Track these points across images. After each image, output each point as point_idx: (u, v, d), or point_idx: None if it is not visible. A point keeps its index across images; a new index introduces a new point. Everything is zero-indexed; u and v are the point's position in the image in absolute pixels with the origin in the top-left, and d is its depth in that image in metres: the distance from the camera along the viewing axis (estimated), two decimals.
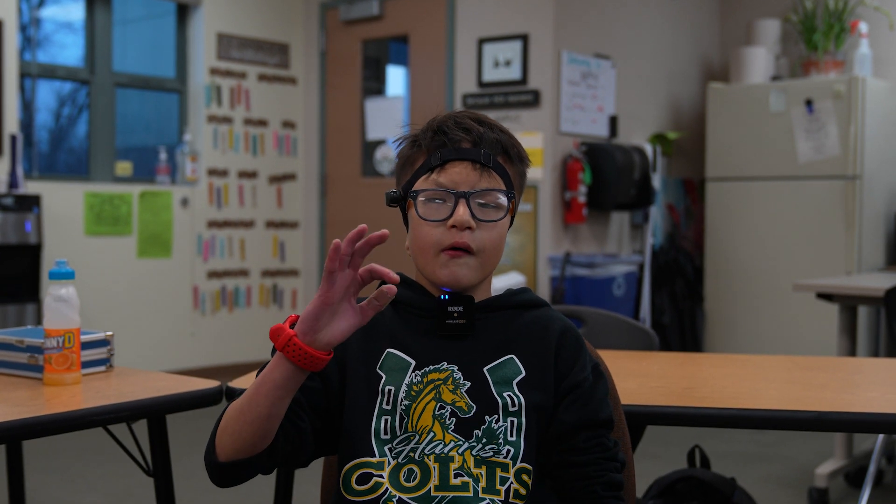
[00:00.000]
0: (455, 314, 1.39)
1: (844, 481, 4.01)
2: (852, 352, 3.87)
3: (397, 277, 1.22)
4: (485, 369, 1.38)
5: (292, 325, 1.23)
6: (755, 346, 5.68)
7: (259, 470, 1.32)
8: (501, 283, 5.00)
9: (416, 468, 1.33)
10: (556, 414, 1.38)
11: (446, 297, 1.40)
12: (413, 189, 1.40)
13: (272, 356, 1.26)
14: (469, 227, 1.37)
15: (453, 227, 1.37)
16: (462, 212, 1.37)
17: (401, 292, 1.43)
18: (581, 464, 1.38)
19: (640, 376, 2.02)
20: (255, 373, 1.96)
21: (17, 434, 1.58)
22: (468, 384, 1.36)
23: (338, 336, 1.22)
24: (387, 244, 1.31)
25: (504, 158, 1.42)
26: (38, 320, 5.01)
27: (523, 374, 1.38)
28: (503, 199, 1.40)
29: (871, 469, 3.50)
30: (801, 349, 5.38)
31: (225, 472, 1.31)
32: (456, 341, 1.39)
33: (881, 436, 3.55)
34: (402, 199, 1.42)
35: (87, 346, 1.90)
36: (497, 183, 1.40)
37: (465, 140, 1.40)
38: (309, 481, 2.31)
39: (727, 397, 1.85)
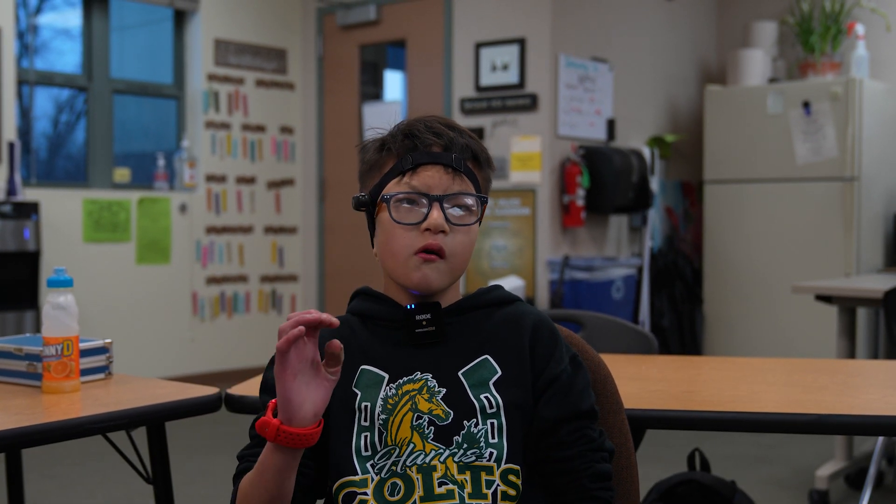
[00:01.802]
0: (423, 322, 1.38)
1: (845, 483, 4.00)
2: (852, 353, 3.87)
3: (336, 321, 1.22)
4: (459, 373, 1.36)
5: (274, 412, 1.24)
6: (754, 348, 5.68)
7: None
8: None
9: (399, 481, 1.32)
10: (536, 410, 1.37)
11: (412, 306, 1.38)
12: (384, 193, 1.39)
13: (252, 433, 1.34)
14: (443, 231, 1.36)
15: (427, 230, 1.36)
16: (436, 215, 1.36)
17: (368, 306, 1.43)
18: (566, 458, 1.36)
19: (639, 380, 2.02)
20: (254, 381, 1.96)
21: (15, 442, 1.58)
22: (444, 391, 1.35)
23: (319, 404, 1.23)
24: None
25: (473, 163, 1.42)
26: (37, 328, 5.01)
27: (499, 373, 1.37)
28: (474, 203, 1.39)
29: (872, 471, 3.50)
30: (801, 351, 5.38)
31: None
32: (428, 349, 1.38)
33: (881, 437, 3.55)
34: (370, 204, 1.41)
35: (85, 353, 1.90)
36: (469, 187, 1.39)
37: (436, 144, 1.39)
38: None
39: (727, 400, 1.85)
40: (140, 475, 1.90)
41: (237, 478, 1.33)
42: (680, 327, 5.90)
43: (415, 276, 1.37)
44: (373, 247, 1.43)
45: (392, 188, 1.38)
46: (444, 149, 1.39)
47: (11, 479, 2.22)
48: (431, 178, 1.37)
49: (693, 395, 1.94)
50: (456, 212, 1.38)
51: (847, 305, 3.83)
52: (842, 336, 3.85)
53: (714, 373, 2.23)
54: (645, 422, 1.76)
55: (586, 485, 1.35)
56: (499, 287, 1.48)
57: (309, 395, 1.22)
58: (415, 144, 1.39)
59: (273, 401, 1.24)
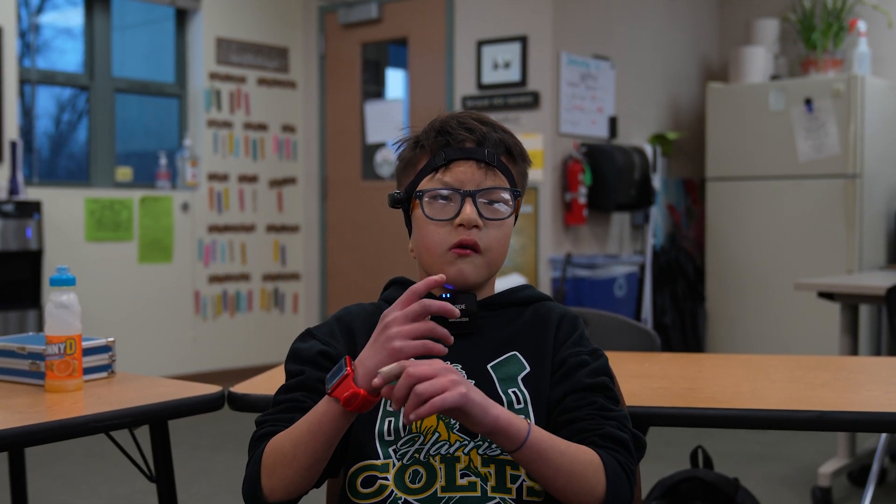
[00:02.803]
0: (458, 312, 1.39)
1: (848, 480, 4.00)
2: (854, 351, 3.87)
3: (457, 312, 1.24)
4: (489, 366, 1.37)
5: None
6: (757, 346, 5.68)
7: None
8: (503, 284, 4.98)
9: (421, 469, 1.32)
10: (549, 395, 1.36)
11: (447, 295, 1.39)
12: (418, 189, 1.40)
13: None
14: (476, 226, 1.37)
15: (460, 225, 1.36)
16: (469, 210, 1.36)
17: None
18: (573, 420, 1.33)
19: (642, 377, 2.02)
20: (257, 379, 1.97)
21: (19, 441, 1.58)
22: (472, 382, 1.34)
23: None
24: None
25: (507, 158, 1.42)
26: (40, 327, 5.02)
27: (528, 369, 1.37)
28: (509, 198, 1.40)
29: (875, 468, 3.49)
30: (803, 348, 5.38)
31: None
32: (459, 339, 1.37)
33: (884, 434, 3.55)
34: (405, 201, 1.42)
35: (88, 352, 1.90)
36: (502, 181, 1.40)
37: (469, 139, 1.40)
38: None
39: (729, 397, 1.85)
40: (143, 473, 1.90)
41: (260, 440, 1.32)
42: (682, 325, 5.89)
43: (450, 271, 1.37)
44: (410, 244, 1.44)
45: (425, 184, 1.39)
46: (476, 144, 1.40)
47: (14, 478, 2.22)
48: (464, 173, 1.38)
49: (696, 392, 1.94)
50: (489, 206, 1.39)
51: (849, 302, 3.82)
52: (844, 333, 3.85)
53: (716, 370, 2.23)
54: (648, 419, 1.76)
55: (597, 441, 1.31)
56: (530, 286, 1.49)
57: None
58: (447, 141, 1.39)
59: (349, 372, 1.21)
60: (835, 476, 3.77)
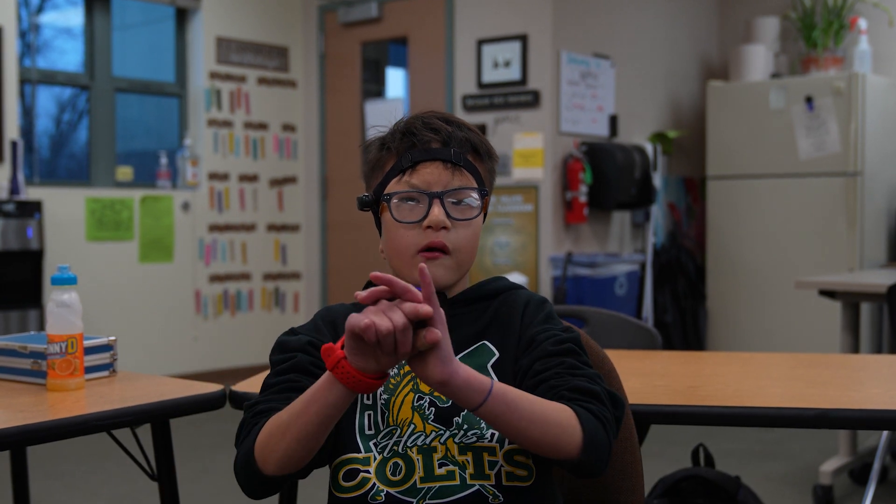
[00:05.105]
0: None
1: (849, 478, 4.00)
2: (855, 349, 3.87)
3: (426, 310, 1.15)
4: (458, 357, 1.38)
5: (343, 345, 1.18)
6: (758, 344, 5.68)
7: (298, 477, 1.31)
8: None
9: (400, 461, 1.33)
10: (515, 366, 1.36)
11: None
12: (385, 192, 1.40)
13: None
14: (444, 227, 1.37)
15: (428, 227, 1.37)
16: (437, 212, 1.37)
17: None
18: (542, 380, 1.31)
19: (643, 375, 2.02)
20: (258, 378, 1.97)
21: (21, 440, 1.58)
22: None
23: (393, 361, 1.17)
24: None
25: (474, 156, 1.43)
26: (41, 326, 5.02)
27: (497, 355, 1.38)
28: (476, 197, 1.40)
29: (876, 466, 3.49)
30: (804, 346, 5.38)
31: (268, 485, 1.28)
32: None
33: (885, 432, 3.55)
34: (374, 203, 1.43)
35: (90, 351, 1.90)
36: (469, 181, 1.40)
37: (435, 140, 1.40)
38: (313, 484, 2.30)
39: (731, 396, 1.85)
40: (145, 472, 1.90)
41: (257, 416, 1.30)
42: (683, 323, 5.90)
43: None
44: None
45: (393, 187, 1.40)
46: (442, 144, 1.40)
47: (16, 478, 2.22)
48: (430, 174, 1.39)
49: (697, 390, 1.94)
50: (457, 207, 1.39)
51: (850, 300, 3.82)
52: (845, 331, 3.85)
53: (718, 368, 2.23)
54: (649, 417, 1.76)
55: (565, 395, 1.29)
56: (501, 278, 1.49)
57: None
58: (413, 142, 1.40)
59: (341, 354, 1.16)
60: (836, 474, 3.77)
